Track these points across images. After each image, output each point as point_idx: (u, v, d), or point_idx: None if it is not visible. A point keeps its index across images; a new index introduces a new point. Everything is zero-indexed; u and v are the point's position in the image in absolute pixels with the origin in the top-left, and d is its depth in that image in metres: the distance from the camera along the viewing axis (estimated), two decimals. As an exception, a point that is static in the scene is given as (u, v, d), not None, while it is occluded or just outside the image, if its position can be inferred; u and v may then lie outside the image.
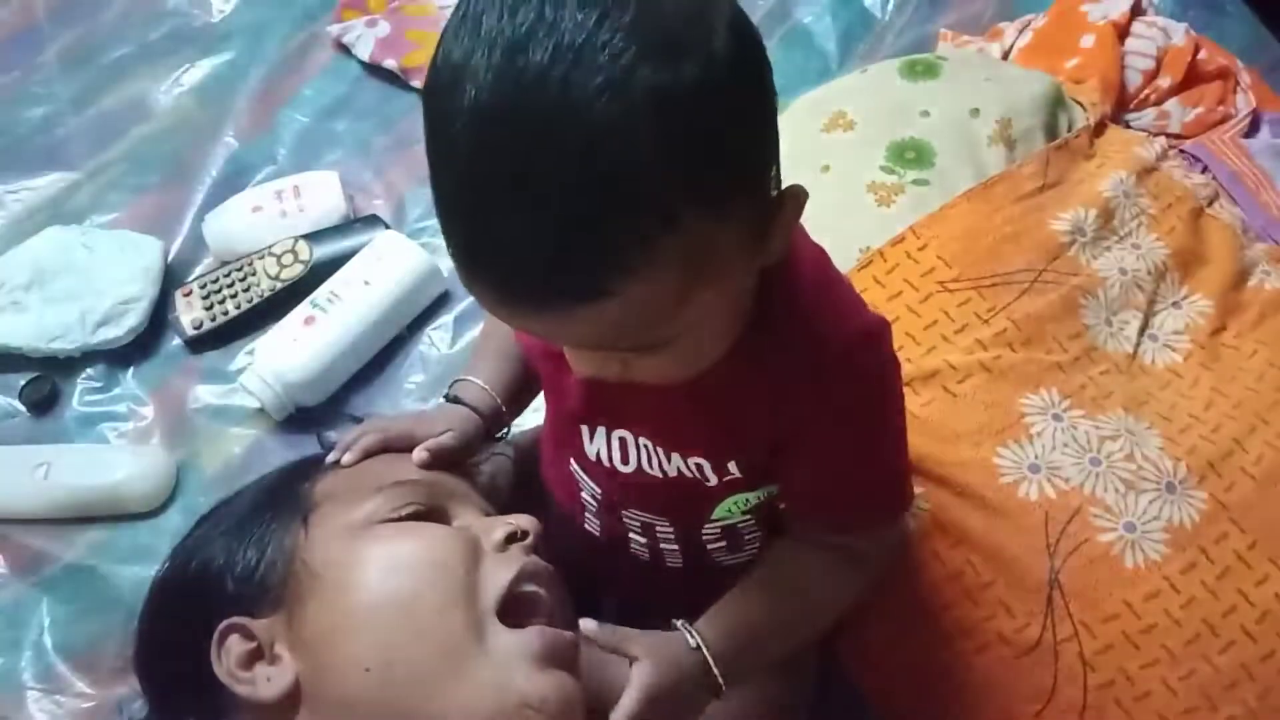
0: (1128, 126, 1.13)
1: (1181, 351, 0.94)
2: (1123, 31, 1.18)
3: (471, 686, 0.63)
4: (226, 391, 1.07)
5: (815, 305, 0.62)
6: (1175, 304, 0.97)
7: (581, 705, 0.63)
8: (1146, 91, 1.15)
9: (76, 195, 1.22)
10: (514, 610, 0.66)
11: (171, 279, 1.14)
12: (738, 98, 0.48)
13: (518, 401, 0.82)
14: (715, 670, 0.65)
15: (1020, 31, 1.24)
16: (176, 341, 1.11)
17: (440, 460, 0.75)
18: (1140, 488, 0.84)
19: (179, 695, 0.69)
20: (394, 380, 1.08)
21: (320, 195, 1.17)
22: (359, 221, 1.16)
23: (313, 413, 1.04)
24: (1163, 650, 0.79)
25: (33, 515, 0.99)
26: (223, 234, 1.15)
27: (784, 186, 0.54)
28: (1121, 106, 1.14)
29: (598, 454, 0.71)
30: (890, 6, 1.33)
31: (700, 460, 0.67)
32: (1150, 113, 1.14)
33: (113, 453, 1.03)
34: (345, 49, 1.33)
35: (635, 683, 0.62)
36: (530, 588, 0.68)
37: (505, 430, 0.83)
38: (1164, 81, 1.15)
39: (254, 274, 1.10)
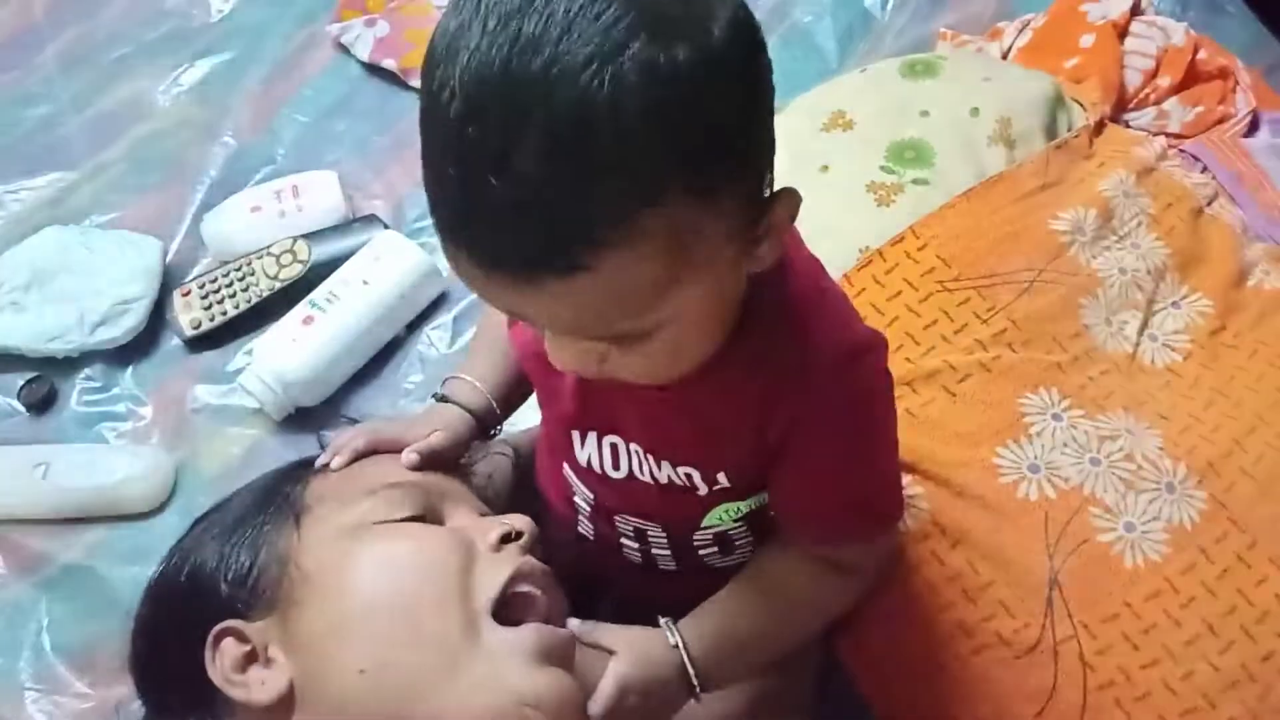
0: (1127, 126, 1.13)
1: (1181, 351, 0.94)
2: (1122, 31, 1.18)
3: (467, 686, 0.63)
4: (225, 392, 1.07)
5: (807, 316, 0.62)
6: (1175, 304, 0.97)
7: (578, 703, 0.63)
8: (1146, 91, 1.15)
9: (75, 195, 1.22)
10: (509, 610, 0.66)
11: (170, 279, 1.14)
12: (730, 85, 0.48)
13: (511, 400, 0.82)
14: (691, 671, 0.66)
15: (1020, 31, 1.24)
16: (175, 341, 1.11)
17: (430, 461, 0.75)
18: (1140, 488, 0.84)
19: (174, 698, 0.69)
20: (393, 380, 1.08)
21: (319, 195, 1.17)
22: (358, 221, 1.16)
23: (311, 413, 1.04)
24: (1163, 650, 0.78)
25: (31, 515, 0.99)
26: (221, 234, 1.16)
27: (779, 188, 0.54)
28: (1121, 106, 1.14)
29: (589, 459, 0.71)
30: (890, 6, 1.33)
31: (690, 469, 0.67)
32: (1150, 112, 1.14)
33: (111, 453, 1.03)
34: (344, 49, 1.33)
35: (610, 675, 0.63)
36: (525, 588, 0.68)
37: (498, 428, 0.82)
38: (1164, 81, 1.15)
39: (253, 274, 1.10)
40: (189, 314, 1.10)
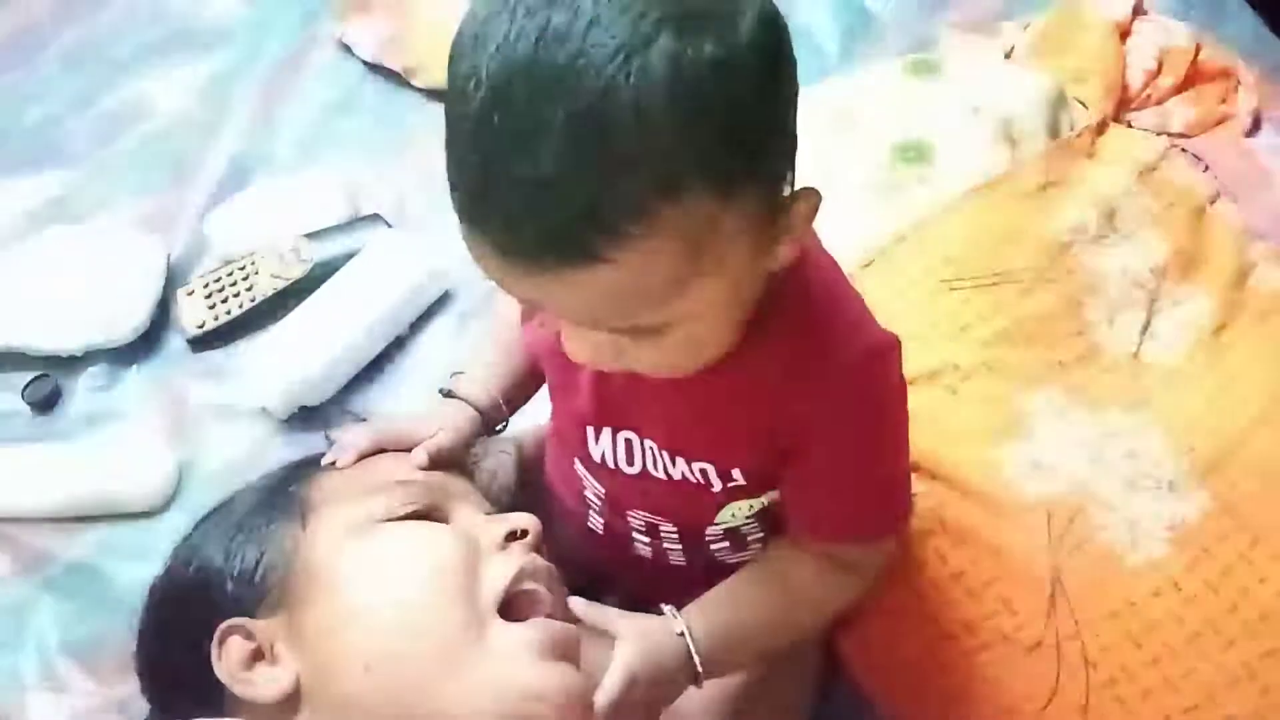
0: (1129, 126, 1.13)
1: (1183, 350, 0.95)
2: (1124, 31, 1.18)
3: (473, 681, 0.63)
4: (229, 390, 1.06)
5: (825, 316, 0.62)
6: (1177, 303, 0.97)
7: (584, 697, 0.63)
8: (1148, 91, 1.15)
9: (78, 195, 1.22)
10: (514, 608, 0.66)
11: (173, 278, 1.14)
12: (755, 82, 0.48)
13: (517, 397, 0.82)
14: (696, 658, 0.66)
15: (1022, 31, 1.24)
16: (179, 341, 1.10)
17: (438, 460, 0.75)
18: (1142, 486, 0.84)
19: (180, 696, 0.69)
20: (396, 380, 1.08)
21: (322, 194, 1.17)
22: (361, 220, 1.16)
23: (315, 412, 1.04)
24: (1164, 648, 0.79)
25: (35, 514, 0.99)
26: (225, 233, 1.15)
27: (800, 187, 0.54)
28: (1123, 106, 1.14)
29: (603, 455, 0.71)
30: (892, 5, 1.33)
31: (705, 465, 0.67)
32: (1152, 112, 1.14)
33: (115, 452, 1.03)
34: (346, 48, 1.33)
35: (618, 665, 0.63)
36: (530, 586, 0.68)
37: (503, 424, 0.83)
38: (1166, 81, 1.15)
39: (256, 273, 1.10)
40: (192, 313, 1.10)
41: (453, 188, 0.50)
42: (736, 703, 0.76)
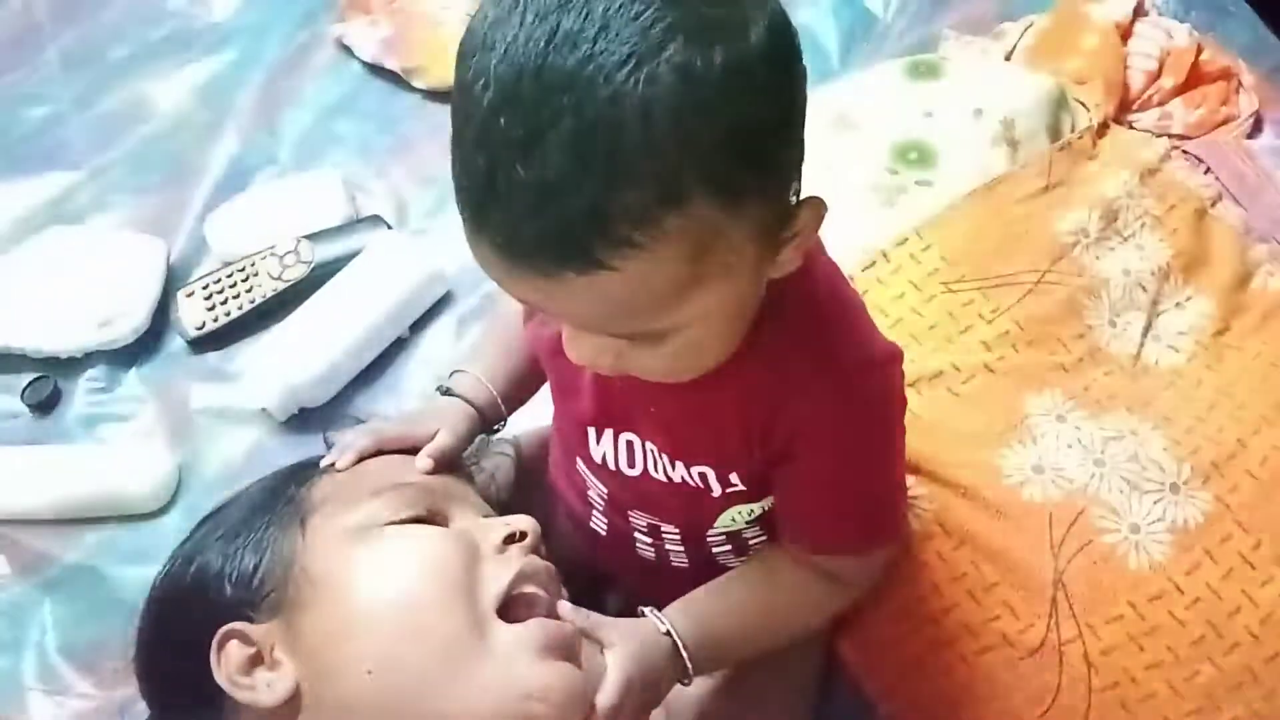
0: (1131, 127, 1.13)
1: (1185, 352, 0.94)
2: (1125, 32, 1.17)
3: (474, 683, 0.63)
4: (229, 392, 1.06)
5: (827, 324, 0.62)
6: (1179, 305, 0.97)
7: (585, 697, 0.63)
8: (1149, 92, 1.15)
9: (78, 195, 1.22)
10: (513, 610, 0.66)
11: (173, 279, 1.14)
12: (765, 91, 0.48)
13: (515, 397, 0.82)
14: (685, 654, 0.66)
15: (1023, 32, 1.24)
16: (179, 342, 1.10)
17: (441, 463, 0.75)
18: (1144, 489, 0.84)
19: (179, 700, 0.69)
20: (396, 381, 1.08)
21: (322, 195, 1.17)
22: (361, 222, 1.16)
23: (315, 414, 1.04)
24: (1167, 651, 0.79)
25: (35, 516, 0.99)
26: (225, 234, 1.15)
27: (805, 196, 0.54)
28: (1124, 107, 1.14)
29: (604, 456, 0.71)
30: (892, 7, 1.32)
31: (704, 469, 0.67)
32: (1153, 113, 1.14)
33: (115, 453, 1.03)
34: (346, 49, 1.33)
35: (615, 669, 0.63)
36: (530, 588, 0.68)
37: (501, 424, 0.82)
38: (1167, 82, 1.15)
39: (256, 274, 1.10)
40: (192, 314, 1.10)
41: (457, 188, 0.50)
42: (737, 704, 0.76)
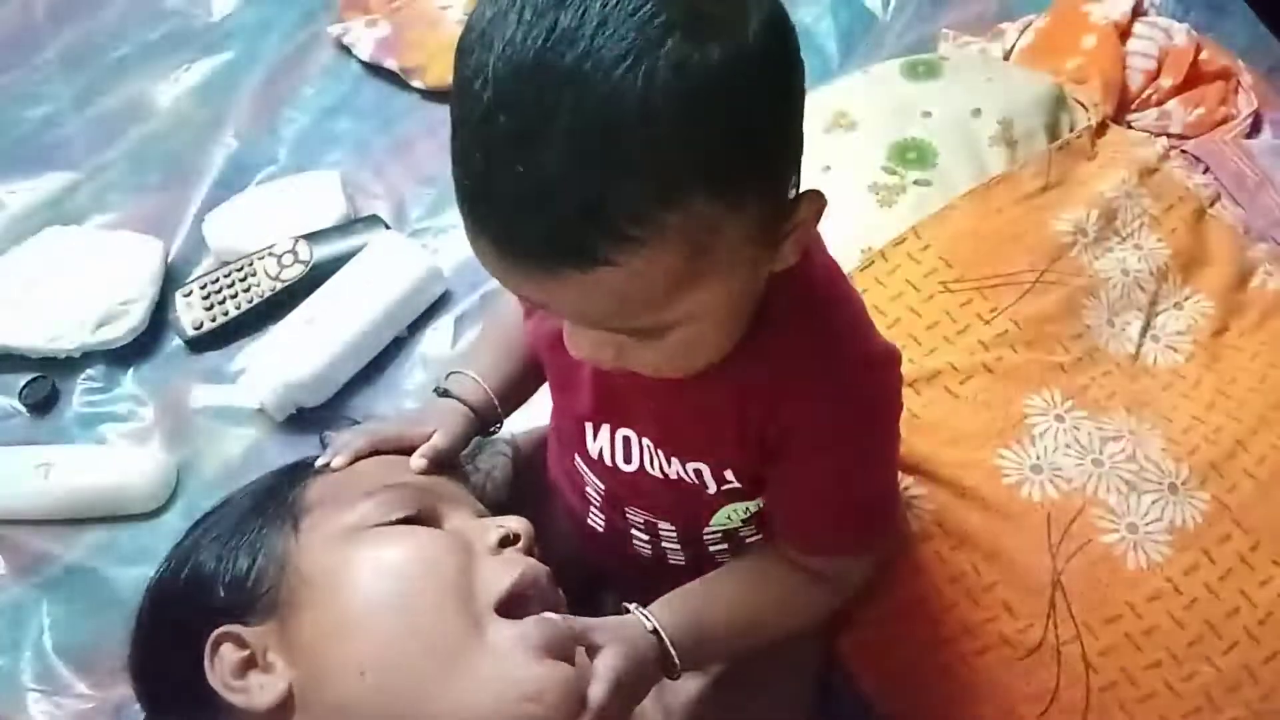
0: (1129, 127, 1.13)
1: (1183, 352, 0.94)
2: (1124, 32, 1.17)
3: (470, 683, 0.62)
4: (227, 392, 1.06)
5: (824, 322, 0.62)
6: (1177, 305, 0.97)
7: (579, 695, 0.63)
8: (1148, 92, 1.15)
9: (76, 195, 1.22)
10: (509, 612, 0.66)
11: (171, 279, 1.14)
12: (762, 87, 0.48)
13: (512, 398, 0.82)
14: (673, 651, 0.66)
15: (1021, 32, 1.24)
16: (177, 342, 1.10)
17: (436, 464, 0.75)
18: (1142, 489, 0.84)
19: (173, 702, 0.69)
20: (394, 381, 1.08)
21: (320, 195, 1.17)
22: (359, 222, 1.16)
23: (313, 414, 1.04)
24: (1165, 651, 0.79)
25: (33, 516, 0.99)
26: (223, 234, 1.15)
27: (804, 190, 0.54)
28: (1123, 107, 1.14)
29: (600, 452, 0.71)
30: (891, 6, 1.33)
31: (699, 466, 0.67)
32: (1152, 113, 1.14)
33: (113, 453, 1.03)
34: (345, 49, 1.33)
35: (605, 670, 0.63)
36: (530, 590, 0.67)
37: (498, 425, 0.82)
38: (1165, 82, 1.15)
39: (254, 274, 1.10)
40: (190, 314, 1.10)
41: (457, 185, 0.50)
42: (735, 704, 0.76)
